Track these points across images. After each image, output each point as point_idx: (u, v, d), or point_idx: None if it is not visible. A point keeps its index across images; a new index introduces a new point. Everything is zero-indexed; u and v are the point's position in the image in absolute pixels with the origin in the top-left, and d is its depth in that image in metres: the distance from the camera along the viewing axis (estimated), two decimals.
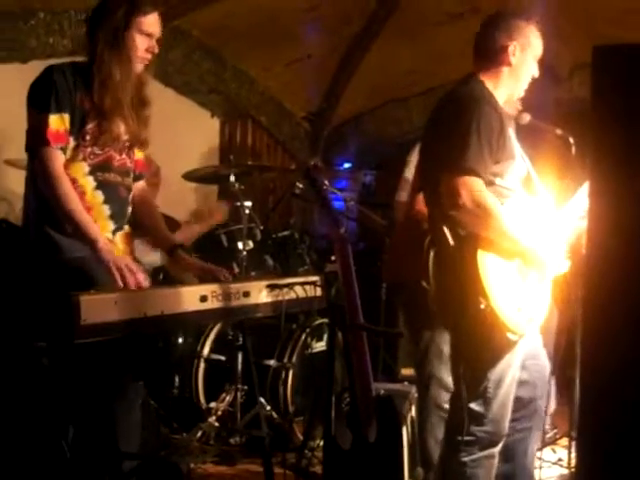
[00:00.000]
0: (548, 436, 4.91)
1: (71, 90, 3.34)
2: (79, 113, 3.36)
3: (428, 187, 3.62)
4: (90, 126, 3.38)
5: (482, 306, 3.29)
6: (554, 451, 4.89)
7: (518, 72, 3.61)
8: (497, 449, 3.54)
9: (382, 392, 3.27)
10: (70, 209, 3.28)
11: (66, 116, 3.32)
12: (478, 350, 3.45)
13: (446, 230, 3.37)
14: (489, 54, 3.62)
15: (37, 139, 3.32)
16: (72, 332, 2.78)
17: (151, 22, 3.46)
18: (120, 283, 3.18)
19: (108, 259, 3.23)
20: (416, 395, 4.04)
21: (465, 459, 3.46)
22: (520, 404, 3.62)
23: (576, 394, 4.28)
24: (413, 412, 3.89)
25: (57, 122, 3.30)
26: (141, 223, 3.80)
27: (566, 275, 3.66)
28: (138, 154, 3.70)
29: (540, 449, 4.31)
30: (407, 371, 6.10)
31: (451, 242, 3.37)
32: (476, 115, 3.38)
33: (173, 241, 3.79)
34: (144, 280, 3.27)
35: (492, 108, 3.45)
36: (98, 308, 2.83)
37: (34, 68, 5.46)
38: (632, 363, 1.91)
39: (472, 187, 3.29)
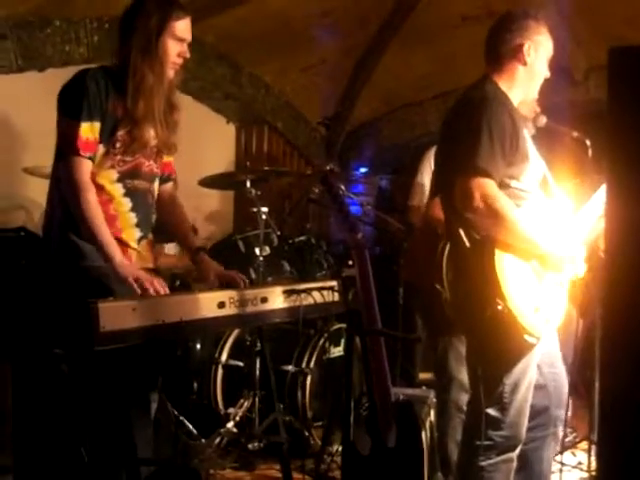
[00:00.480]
0: (568, 439, 4.88)
1: (103, 97, 3.33)
2: (110, 120, 3.35)
3: (443, 190, 3.63)
4: (121, 133, 3.38)
5: (499, 307, 3.29)
6: (574, 454, 4.88)
7: (533, 71, 3.61)
8: (515, 453, 3.53)
9: (401, 397, 3.27)
10: (91, 221, 3.27)
11: (97, 124, 3.32)
12: (495, 353, 3.45)
13: (462, 232, 3.37)
14: (503, 54, 3.61)
15: (67, 146, 3.31)
16: (91, 339, 2.78)
17: (183, 27, 3.47)
18: (139, 292, 3.19)
19: (125, 275, 3.22)
20: (434, 400, 4.02)
21: (483, 463, 3.46)
22: (534, 411, 3.61)
23: (595, 397, 4.27)
24: (432, 417, 3.88)
25: (88, 130, 3.29)
26: (168, 224, 3.82)
27: (584, 277, 3.65)
28: (167, 157, 3.70)
29: (560, 452, 4.31)
30: (425, 375, 6.10)
31: (467, 244, 3.37)
32: (486, 116, 3.39)
33: (196, 244, 3.81)
34: (162, 288, 3.27)
35: (504, 108, 3.45)
36: (117, 315, 2.84)
37: (51, 76, 5.55)
38: None
39: (485, 189, 3.29)
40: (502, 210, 3.30)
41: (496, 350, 3.42)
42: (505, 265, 3.35)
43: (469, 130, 3.39)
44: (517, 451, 3.53)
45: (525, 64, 3.59)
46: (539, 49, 3.60)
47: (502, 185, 3.38)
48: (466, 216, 3.35)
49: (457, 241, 3.41)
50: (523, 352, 3.43)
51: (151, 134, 3.48)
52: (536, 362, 3.52)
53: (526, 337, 3.36)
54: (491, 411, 3.46)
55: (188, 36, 3.50)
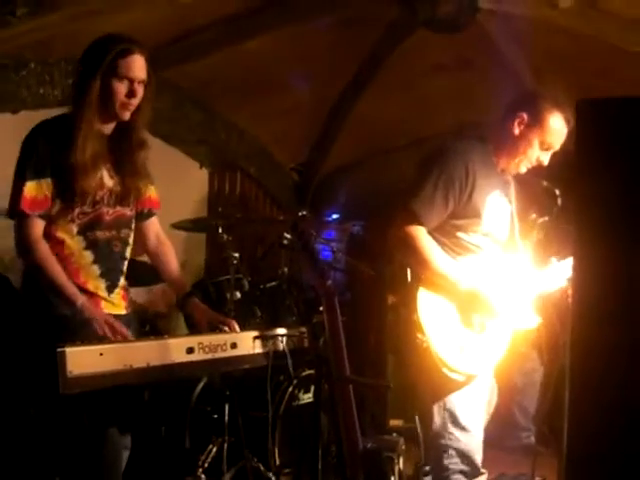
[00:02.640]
0: None
1: (54, 152, 3.27)
2: (66, 174, 3.28)
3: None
4: (75, 185, 3.31)
5: (418, 341, 3.47)
6: None
7: (519, 144, 3.70)
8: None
9: (369, 445, 3.26)
10: (46, 272, 3.27)
11: (46, 181, 3.27)
12: (426, 386, 3.59)
13: (407, 270, 3.55)
14: (500, 119, 3.75)
15: (11, 207, 3.30)
16: (58, 383, 2.77)
17: (129, 65, 3.29)
18: (102, 333, 3.18)
19: (90, 316, 3.23)
20: (404, 447, 4.03)
21: None
22: None
23: (564, 445, 4.27)
24: (401, 464, 3.87)
25: (33, 189, 3.26)
26: (155, 265, 3.82)
27: (545, 325, 3.75)
28: (149, 190, 3.65)
29: None
30: (396, 422, 6.08)
31: (409, 280, 3.54)
32: (439, 165, 3.56)
33: (186, 288, 3.80)
34: (127, 334, 3.27)
35: (463, 164, 3.56)
36: (84, 360, 2.83)
37: (24, 119, 5.53)
38: (618, 415, 1.91)
39: (409, 232, 3.50)
40: (423, 253, 3.47)
41: (425, 383, 3.58)
42: (432, 303, 3.55)
43: (419, 176, 3.56)
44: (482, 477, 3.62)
45: (513, 136, 3.71)
46: (533, 130, 3.72)
47: (448, 234, 3.55)
48: (396, 255, 3.55)
49: (399, 278, 3.60)
50: (451, 386, 3.56)
51: (105, 181, 3.41)
52: (477, 397, 3.64)
53: (445, 371, 3.49)
54: (442, 442, 3.56)
55: (138, 75, 3.32)
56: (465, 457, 3.63)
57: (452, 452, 3.62)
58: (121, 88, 3.31)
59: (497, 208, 3.72)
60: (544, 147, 3.73)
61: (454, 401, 3.62)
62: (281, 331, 3.76)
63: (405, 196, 3.61)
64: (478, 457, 3.68)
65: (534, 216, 3.99)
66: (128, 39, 3.35)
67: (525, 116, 3.70)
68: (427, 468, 3.79)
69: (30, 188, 3.26)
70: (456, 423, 3.62)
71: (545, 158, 3.76)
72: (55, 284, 3.27)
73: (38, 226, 3.30)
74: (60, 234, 3.36)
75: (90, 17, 5.21)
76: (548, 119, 3.69)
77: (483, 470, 3.74)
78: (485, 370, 3.71)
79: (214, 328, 3.62)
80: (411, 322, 3.55)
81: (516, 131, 3.71)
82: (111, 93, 3.30)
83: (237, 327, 3.67)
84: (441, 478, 3.63)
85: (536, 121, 3.70)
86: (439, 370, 3.55)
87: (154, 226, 3.79)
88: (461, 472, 3.64)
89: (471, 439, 3.65)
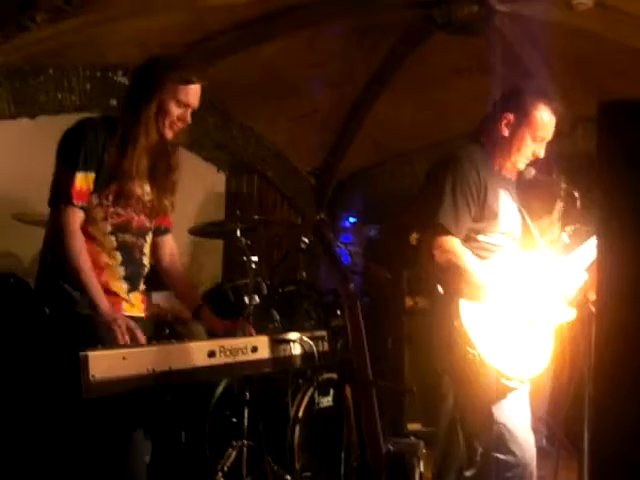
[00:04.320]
0: None
1: (100, 148, 3.34)
2: (105, 172, 3.36)
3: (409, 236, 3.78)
4: (113, 186, 3.39)
5: (471, 356, 3.41)
6: None
7: (511, 144, 3.70)
8: None
9: (392, 448, 3.25)
10: (78, 268, 3.29)
11: (91, 175, 3.33)
12: (480, 399, 3.52)
13: (439, 286, 3.51)
14: (489, 121, 3.74)
15: (61, 195, 3.33)
16: (81, 388, 2.78)
17: (189, 93, 3.44)
18: (121, 340, 3.20)
19: (110, 322, 3.24)
20: (424, 450, 4.02)
21: None
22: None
23: (585, 450, 4.26)
24: (422, 467, 3.86)
25: (82, 180, 3.31)
26: (170, 280, 3.84)
27: (573, 324, 3.73)
28: (171, 209, 3.70)
29: None
30: (414, 426, 6.08)
31: (441, 293, 3.50)
32: (452, 173, 3.56)
33: (198, 301, 3.83)
34: (141, 338, 3.28)
35: (473, 167, 3.56)
36: (107, 364, 2.84)
37: (43, 123, 5.57)
38: None
39: (445, 246, 3.46)
40: (461, 263, 3.46)
41: (476, 393, 3.51)
42: (475, 314, 3.49)
43: (434, 187, 3.56)
44: None
45: (503, 136, 3.70)
46: (522, 126, 3.70)
47: (468, 239, 3.54)
48: (431, 271, 3.50)
49: (431, 294, 3.56)
50: (506, 394, 3.52)
51: (143, 190, 3.49)
52: (525, 403, 3.61)
53: (503, 381, 3.45)
54: (500, 455, 3.53)
55: (193, 102, 3.47)
56: (518, 470, 3.60)
57: (506, 465, 3.59)
58: (176, 111, 3.43)
59: (507, 206, 3.73)
60: (537, 140, 3.72)
61: (507, 411, 3.58)
62: (301, 335, 3.75)
63: (427, 211, 3.60)
64: (531, 471, 3.65)
65: (570, 228, 3.99)
66: (189, 65, 3.53)
67: (511, 116, 3.70)
68: (468, 474, 3.76)
69: (80, 178, 3.31)
70: (511, 436, 3.58)
71: (540, 150, 3.76)
72: (84, 281, 3.28)
73: (79, 218, 3.34)
74: (93, 231, 3.39)
75: (108, 23, 5.24)
76: (535, 114, 3.69)
77: None
78: (538, 371, 3.68)
79: (232, 333, 3.63)
80: (460, 338, 3.51)
81: (505, 132, 3.71)
82: (165, 113, 3.42)
83: (252, 331, 3.69)
84: None
85: (523, 119, 3.69)
86: (494, 379, 3.51)
87: (170, 242, 3.85)
88: None
89: (524, 452, 3.62)
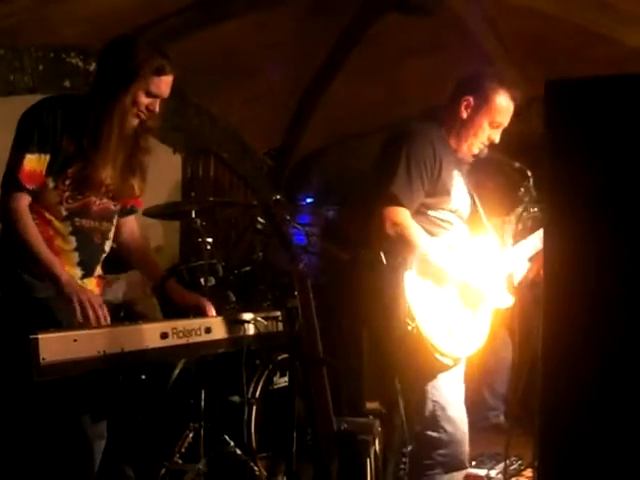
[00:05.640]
0: (512, 467, 4.91)
1: (57, 130, 3.28)
2: (62, 155, 3.30)
3: (365, 216, 3.76)
4: (72, 170, 3.33)
5: (409, 327, 3.43)
6: None
7: (468, 127, 3.72)
8: (461, 474, 3.61)
9: (344, 427, 3.27)
10: (31, 244, 3.25)
11: (45, 157, 3.27)
12: (413, 372, 3.57)
13: (382, 256, 3.51)
14: (448, 102, 3.76)
15: (9, 177, 3.29)
16: (32, 371, 2.76)
17: (161, 84, 3.37)
18: (80, 317, 3.17)
19: (71, 292, 3.21)
20: (380, 429, 4.04)
21: None
22: None
23: (538, 425, 4.30)
24: (377, 446, 3.88)
25: (34, 162, 3.25)
26: (131, 257, 3.82)
27: (518, 306, 3.77)
28: (139, 191, 3.65)
29: None
30: (372, 405, 6.09)
31: (384, 263, 3.51)
32: (407, 146, 3.56)
33: (162, 273, 3.82)
34: (105, 317, 3.25)
35: (429, 144, 3.58)
36: (58, 346, 2.82)
37: None
38: (590, 392, 1.93)
39: (395, 217, 3.45)
40: (411, 237, 3.46)
41: (413, 369, 3.55)
42: (418, 289, 3.48)
43: (388, 159, 3.55)
44: (463, 472, 3.61)
45: (462, 118, 3.72)
46: (481, 110, 3.72)
47: (418, 213, 3.55)
48: (379, 241, 3.50)
49: (375, 264, 3.55)
50: (440, 371, 3.55)
51: (106, 174, 3.41)
52: (459, 382, 3.64)
53: (437, 356, 3.49)
54: (429, 432, 3.55)
55: (164, 93, 3.41)
56: (450, 448, 3.64)
57: (439, 443, 3.63)
58: (145, 102, 3.36)
59: (459, 186, 3.76)
60: (494, 126, 3.76)
61: (442, 389, 3.62)
62: (255, 315, 3.75)
63: (380, 182, 3.61)
64: (463, 449, 3.69)
65: (519, 210, 4.01)
66: (164, 53, 3.41)
67: (471, 99, 3.73)
68: (405, 450, 3.80)
69: (31, 160, 3.25)
70: (444, 414, 3.62)
71: (496, 136, 3.79)
72: (41, 258, 3.25)
73: (26, 200, 3.29)
74: (48, 215, 3.36)
75: (60, 2, 5.19)
76: (494, 99, 3.72)
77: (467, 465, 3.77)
78: (472, 351, 3.72)
79: (187, 314, 3.62)
80: (399, 309, 3.52)
81: (464, 115, 3.74)
82: (133, 102, 3.34)
83: (213, 310, 3.67)
84: (422, 467, 3.64)
85: (483, 103, 3.72)
86: (430, 355, 3.54)
87: (131, 221, 3.82)
88: (442, 464, 3.65)
89: (456, 430, 3.66)
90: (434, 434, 3.62)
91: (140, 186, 3.63)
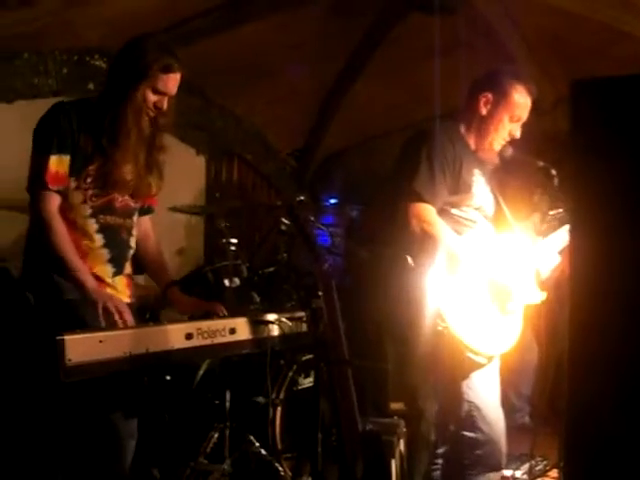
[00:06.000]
0: (538, 468, 4.89)
1: (74, 131, 3.33)
2: (81, 155, 3.35)
3: (391, 216, 3.76)
4: (92, 168, 3.38)
5: (440, 328, 3.43)
6: None
7: (488, 123, 3.72)
8: (499, 474, 3.62)
9: (369, 427, 3.26)
10: (60, 249, 3.28)
11: (66, 158, 3.31)
12: (449, 375, 3.56)
13: (408, 257, 3.51)
14: (466, 100, 3.76)
15: (36, 180, 3.32)
16: (58, 372, 2.78)
17: (168, 82, 3.42)
18: (103, 322, 3.20)
19: (97, 299, 3.24)
20: (405, 429, 4.03)
21: None
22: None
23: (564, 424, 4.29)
24: (402, 446, 3.88)
25: (57, 163, 3.29)
26: (145, 258, 3.83)
27: (544, 306, 3.76)
28: (157, 189, 3.70)
29: None
30: (396, 405, 6.09)
31: (411, 265, 3.50)
32: (427, 145, 3.57)
33: (169, 279, 3.82)
34: (130, 321, 3.28)
35: (449, 142, 3.58)
36: (83, 347, 2.84)
37: (20, 108, 5.53)
38: (616, 397, 1.92)
39: (421, 215, 3.45)
40: (437, 234, 3.46)
41: (447, 370, 3.54)
42: (446, 287, 3.48)
43: (410, 158, 3.55)
44: (501, 472, 3.62)
45: (481, 115, 3.72)
46: (500, 105, 3.73)
47: (442, 212, 3.55)
48: (406, 240, 3.50)
49: (400, 263, 3.55)
50: (473, 370, 3.54)
51: (127, 170, 3.46)
52: (495, 381, 3.63)
53: (470, 355, 3.48)
54: (466, 433, 3.55)
55: (171, 91, 3.46)
56: (487, 448, 3.64)
57: (476, 443, 3.62)
58: (152, 99, 3.42)
59: (481, 185, 3.75)
60: (514, 120, 3.77)
61: (477, 389, 3.61)
62: (279, 316, 3.76)
63: (402, 181, 3.61)
64: (500, 449, 3.69)
65: (544, 209, 4.01)
66: (172, 52, 3.46)
67: (490, 95, 3.74)
68: (440, 451, 3.79)
69: (54, 162, 3.30)
70: (480, 414, 3.62)
71: (516, 131, 3.79)
72: (68, 264, 3.28)
73: (57, 201, 3.33)
74: (72, 215, 3.39)
75: (83, 5, 5.21)
76: (513, 94, 3.73)
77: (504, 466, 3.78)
78: (505, 349, 3.71)
79: (208, 315, 3.63)
80: (424, 306, 3.52)
81: (483, 111, 3.74)
82: (142, 100, 3.40)
83: (225, 311, 3.68)
84: (460, 467, 3.64)
85: (501, 98, 3.73)
86: (462, 354, 3.54)
87: (146, 221, 3.84)
88: (480, 464, 3.65)
89: (493, 430, 3.66)
90: (471, 434, 3.62)
91: (158, 184, 3.68)
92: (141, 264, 3.84)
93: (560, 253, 3.77)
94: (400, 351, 4.11)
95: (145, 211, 3.77)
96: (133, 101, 3.38)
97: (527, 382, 5.79)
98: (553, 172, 3.94)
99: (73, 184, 3.36)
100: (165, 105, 3.46)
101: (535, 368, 5.61)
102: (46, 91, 5.84)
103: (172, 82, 3.44)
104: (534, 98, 3.77)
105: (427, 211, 3.53)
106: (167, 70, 3.40)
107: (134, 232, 3.64)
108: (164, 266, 3.86)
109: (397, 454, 3.65)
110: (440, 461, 3.77)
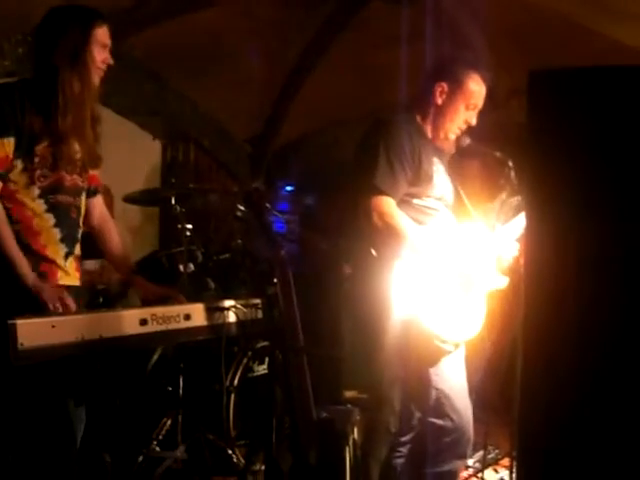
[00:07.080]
0: (490, 456, 4.94)
1: (17, 112, 3.25)
2: (27, 136, 3.28)
3: (350, 207, 3.77)
4: (39, 148, 3.31)
5: (407, 318, 3.45)
6: (496, 471, 4.92)
7: (444, 113, 3.74)
8: (463, 462, 3.66)
9: (323, 415, 3.27)
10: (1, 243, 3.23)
11: (9, 140, 3.25)
12: (416, 363, 3.57)
13: (372, 249, 3.53)
14: (421, 90, 3.77)
15: None
16: (9, 356, 2.75)
17: (105, 33, 3.42)
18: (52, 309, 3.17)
19: (39, 293, 3.20)
20: (359, 417, 4.04)
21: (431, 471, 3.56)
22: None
23: (516, 415, 4.32)
24: (356, 434, 3.88)
25: None
26: (99, 242, 3.79)
27: (505, 291, 3.79)
28: (92, 170, 3.64)
29: (482, 470, 4.37)
30: (350, 393, 6.11)
31: (375, 256, 3.52)
32: (385, 137, 3.56)
33: (130, 265, 3.80)
34: (73, 308, 3.26)
35: (406, 132, 3.60)
36: (36, 332, 2.81)
37: None
38: (569, 384, 1.93)
39: (382, 208, 3.47)
40: (399, 227, 3.47)
41: (414, 359, 3.55)
42: (410, 278, 3.48)
43: (368, 151, 3.56)
44: (465, 461, 3.66)
45: (436, 105, 3.74)
46: (456, 94, 3.74)
47: (403, 203, 3.56)
48: (368, 232, 3.52)
49: (365, 257, 3.56)
50: (440, 357, 3.57)
51: (75, 148, 3.43)
52: (461, 368, 3.66)
53: (438, 343, 3.50)
54: (434, 420, 3.57)
55: (109, 42, 3.45)
56: (455, 436, 3.66)
57: (443, 431, 3.65)
58: (99, 55, 3.42)
59: (441, 174, 3.77)
60: (470, 108, 3.77)
61: (445, 376, 3.63)
62: (235, 303, 3.74)
63: (362, 175, 3.61)
64: (467, 437, 3.71)
65: (502, 197, 4.02)
66: (96, 10, 3.45)
67: (445, 85, 3.75)
68: (404, 439, 3.78)
69: None
70: (449, 402, 3.64)
71: (472, 118, 3.80)
72: (7, 253, 3.23)
73: None
74: (21, 197, 3.33)
75: None
76: (468, 83, 3.74)
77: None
78: (471, 335, 3.73)
79: (165, 300, 3.61)
80: (389, 298, 3.54)
81: (439, 101, 3.75)
82: (92, 60, 3.38)
83: (184, 300, 3.67)
84: (427, 454, 3.66)
85: (457, 88, 3.74)
86: (430, 343, 3.56)
87: (99, 204, 3.79)
88: (447, 452, 3.67)
89: (461, 418, 3.68)
90: (439, 422, 3.64)
91: (100, 157, 3.63)
92: (101, 249, 3.81)
93: (518, 240, 3.79)
94: (364, 340, 4.10)
95: (92, 193, 3.71)
96: (81, 68, 3.35)
97: (476, 371, 5.82)
98: (510, 163, 3.96)
99: (20, 166, 3.30)
100: (110, 59, 3.46)
101: (483, 357, 5.65)
102: (1, 72, 5.76)
103: (108, 33, 3.45)
104: (489, 85, 3.78)
105: (387, 204, 3.54)
106: (100, 24, 3.40)
107: (83, 211, 3.59)
108: (125, 252, 3.83)
109: (351, 442, 3.66)
110: (403, 449, 3.78)
